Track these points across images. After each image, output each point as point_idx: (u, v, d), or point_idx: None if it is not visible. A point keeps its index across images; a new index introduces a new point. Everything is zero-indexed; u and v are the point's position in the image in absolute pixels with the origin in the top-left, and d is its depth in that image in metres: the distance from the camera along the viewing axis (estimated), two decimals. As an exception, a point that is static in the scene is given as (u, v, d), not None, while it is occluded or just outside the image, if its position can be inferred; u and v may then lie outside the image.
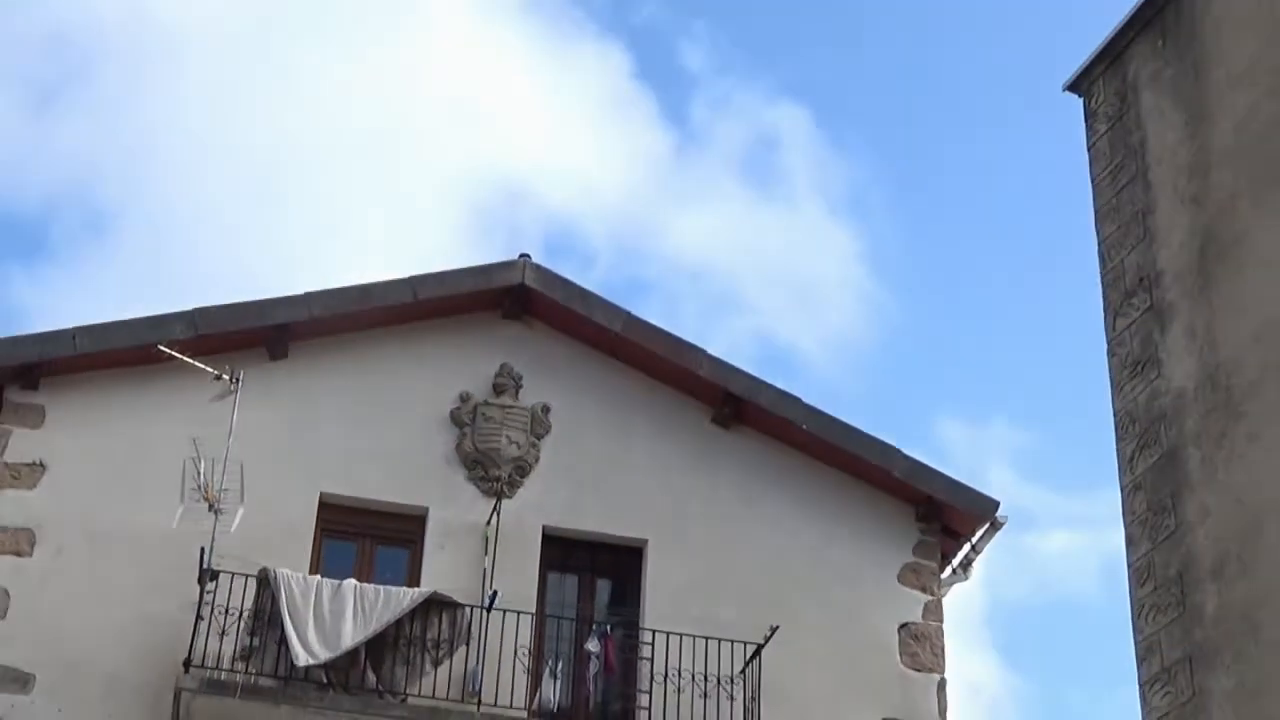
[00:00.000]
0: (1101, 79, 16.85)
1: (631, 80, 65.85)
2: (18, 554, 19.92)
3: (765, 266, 58.15)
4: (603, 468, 22.69)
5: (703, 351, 23.27)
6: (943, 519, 23.22)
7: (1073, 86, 17.27)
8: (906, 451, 23.07)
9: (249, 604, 19.69)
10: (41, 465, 20.51)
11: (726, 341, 57.60)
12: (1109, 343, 16.08)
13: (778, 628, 20.74)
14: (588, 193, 63.12)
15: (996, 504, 23.08)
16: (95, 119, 55.23)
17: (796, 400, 23.21)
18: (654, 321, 23.32)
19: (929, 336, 58.24)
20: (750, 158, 62.68)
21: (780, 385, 23.86)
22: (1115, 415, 15.82)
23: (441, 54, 55.46)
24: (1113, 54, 16.73)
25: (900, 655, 22.17)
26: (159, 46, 56.17)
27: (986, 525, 23.24)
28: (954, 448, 56.28)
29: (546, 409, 22.58)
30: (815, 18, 59.07)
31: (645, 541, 22.32)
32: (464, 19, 56.55)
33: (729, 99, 61.05)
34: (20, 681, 19.20)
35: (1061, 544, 57.97)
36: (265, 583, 19.81)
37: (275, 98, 56.47)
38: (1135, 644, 14.74)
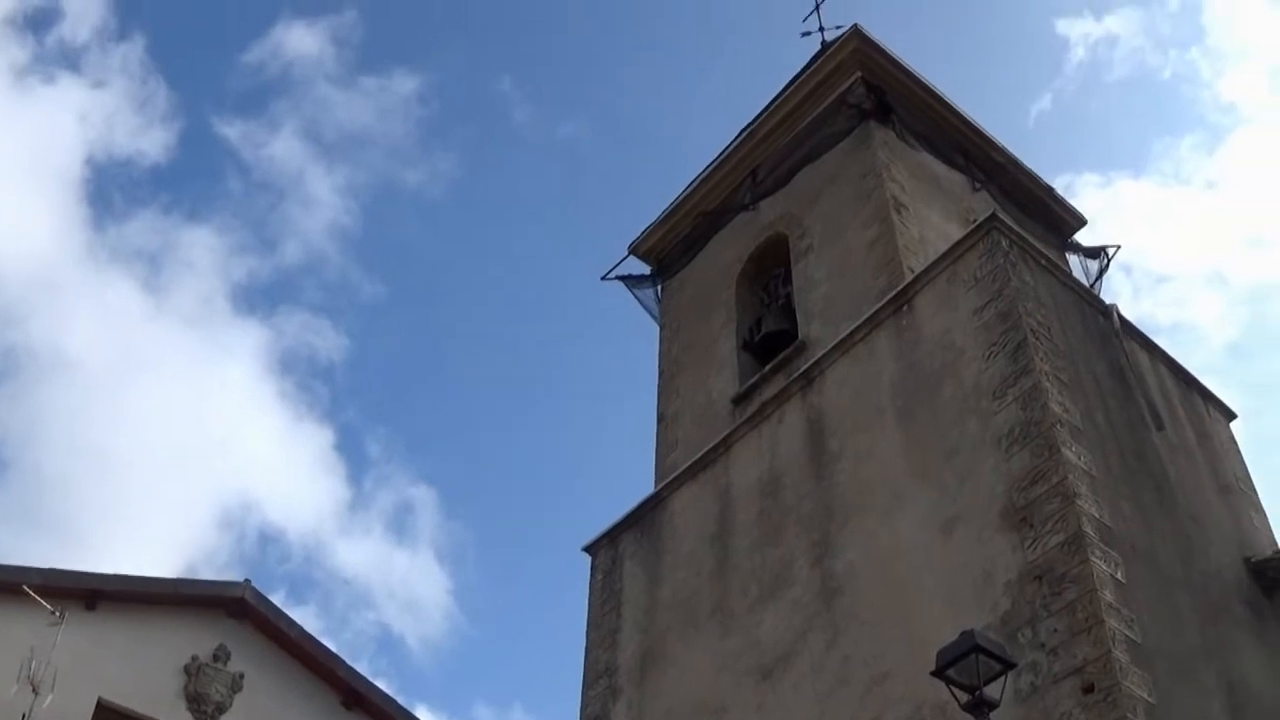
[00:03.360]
0: (604, 548, 16.79)
1: (333, 450, 63.75)
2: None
3: (392, 585, 57.58)
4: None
5: (341, 660, 23.25)
6: None
7: (587, 549, 17.05)
8: None
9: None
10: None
11: (361, 627, 56.34)
12: (582, 703, 15.68)
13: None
14: (294, 515, 61.81)
15: None
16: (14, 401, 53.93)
17: (394, 700, 23.47)
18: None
19: (484, 649, 57.73)
20: (395, 517, 61.57)
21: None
22: None
23: (223, 411, 54.85)
24: (613, 534, 16.74)
25: None
26: (58, 369, 54.80)
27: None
28: None
29: (242, 675, 22.31)
30: (452, 435, 59.43)
31: (287, 772, 22.05)
32: (237, 393, 55.68)
33: (388, 477, 60.39)
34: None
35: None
36: (58, 743, 19.17)
37: (110, 414, 55.41)
38: None
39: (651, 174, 58.33)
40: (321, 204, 60.94)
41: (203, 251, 58.26)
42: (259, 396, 56.30)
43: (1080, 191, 56.26)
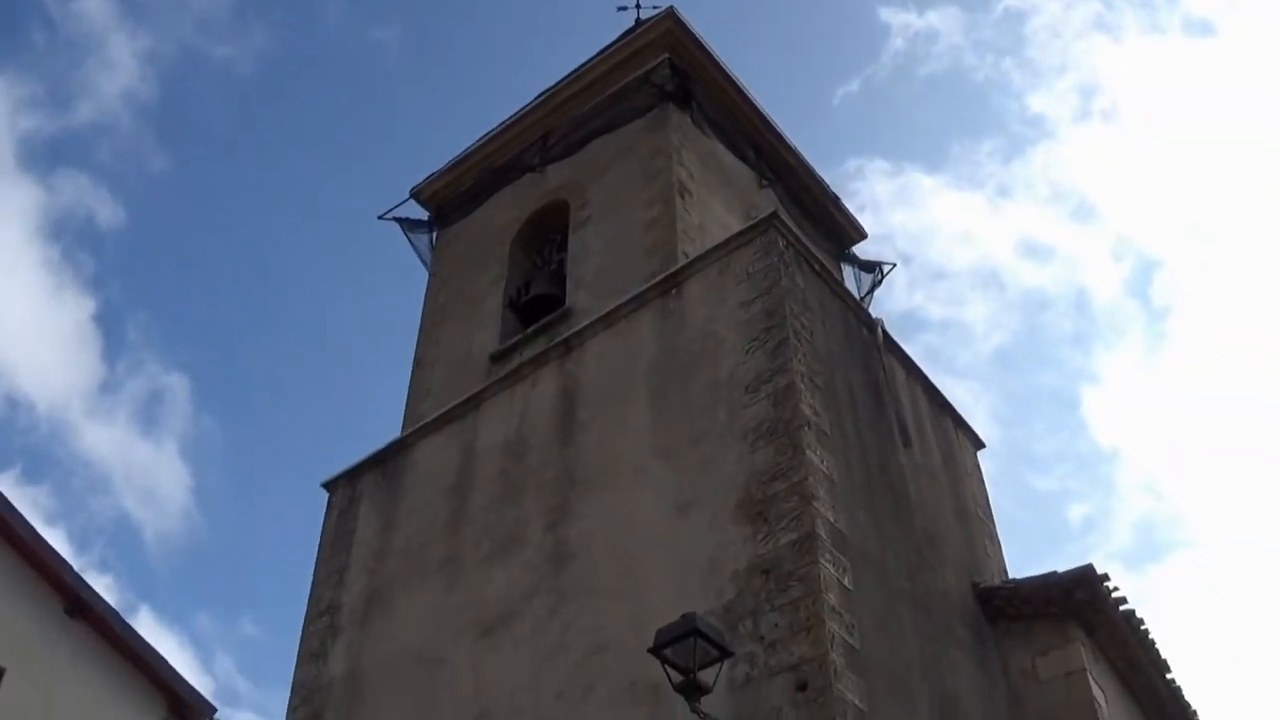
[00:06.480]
0: (342, 486, 16.38)
1: (91, 322, 60.00)
2: None
3: (134, 472, 54.88)
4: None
5: (69, 565, 22.35)
6: (181, 708, 22.74)
7: (326, 486, 16.65)
8: (170, 653, 22.63)
9: None
10: None
11: (99, 511, 53.45)
12: (302, 636, 15.31)
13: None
14: (44, 386, 57.89)
15: (214, 708, 22.78)
16: None
17: (116, 612, 22.54)
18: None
19: (219, 555, 55.02)
20: (144, 404, 58.21)
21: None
22: (294, 679, 15.03)
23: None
24: (353, 474, 16.34)
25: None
26: None
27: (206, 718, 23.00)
28: (205, 633, 53.67)
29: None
30: (215, 330, 56.08)
31: (4, 669, 21.13)
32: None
33: (143, 362, 57.07)
34: None
35: (241, 727, 55.64)
36: None
37: None
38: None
39: (451, 101, 56.77)
40: (122, 67, 57.72)
41: (-4, 101, 54.77)
42: (23, 258, 52.92)
43: (869, 177, 56.00)
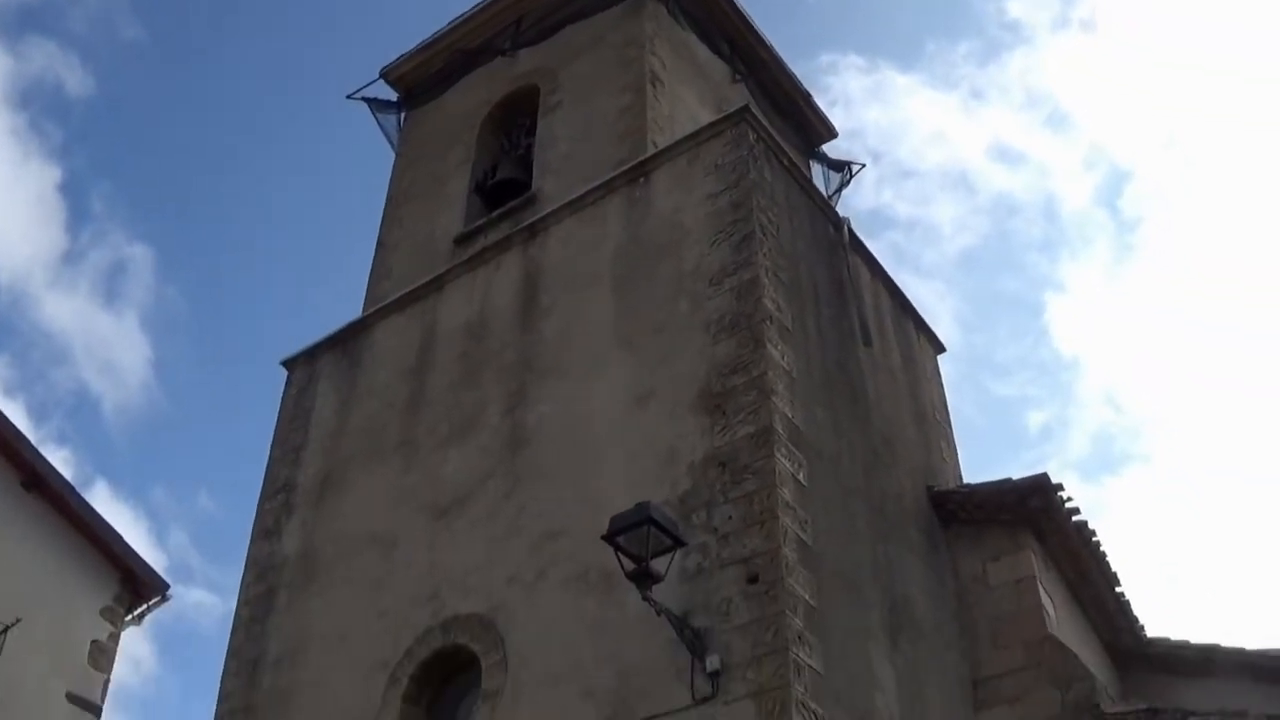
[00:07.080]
0: (301, 365, 16.24)
1: (56, 191, 58.24)
2: None
3: (94, 344, 53.89)
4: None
5: (27, 440, 22.10)
6: (135, 584, 22.68)
7: (285, 364, 16.42)
8: (125, 527, 22.38)
9: None
10: None
11: (59, 382, 52.56)
12: (257, 514, 15.24)
13: (20, 620, 19.71)
14: (6, 256, 57.25)
15: (168, 585, 22.76)
16: None
17: (72, 487, 22.38)
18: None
19: (180, 427, 54.47)
20: (107, 275, 56.82)
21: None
22: (248, 556, 14.94)
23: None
24: (312, 353, 16.21)
25: (86, 658, 21.41)
26: None
27: (159, 596, 22.92)
28: (161, 507, 51.89)
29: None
30: (180, 202, 54.89)
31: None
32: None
33: (107, 234, 56.26)
34: None
35: (200, 597, 54.98)
36: None
37: None
38: (220, 693, 13.86)
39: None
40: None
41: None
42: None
43: (843, 72, 54.82)
